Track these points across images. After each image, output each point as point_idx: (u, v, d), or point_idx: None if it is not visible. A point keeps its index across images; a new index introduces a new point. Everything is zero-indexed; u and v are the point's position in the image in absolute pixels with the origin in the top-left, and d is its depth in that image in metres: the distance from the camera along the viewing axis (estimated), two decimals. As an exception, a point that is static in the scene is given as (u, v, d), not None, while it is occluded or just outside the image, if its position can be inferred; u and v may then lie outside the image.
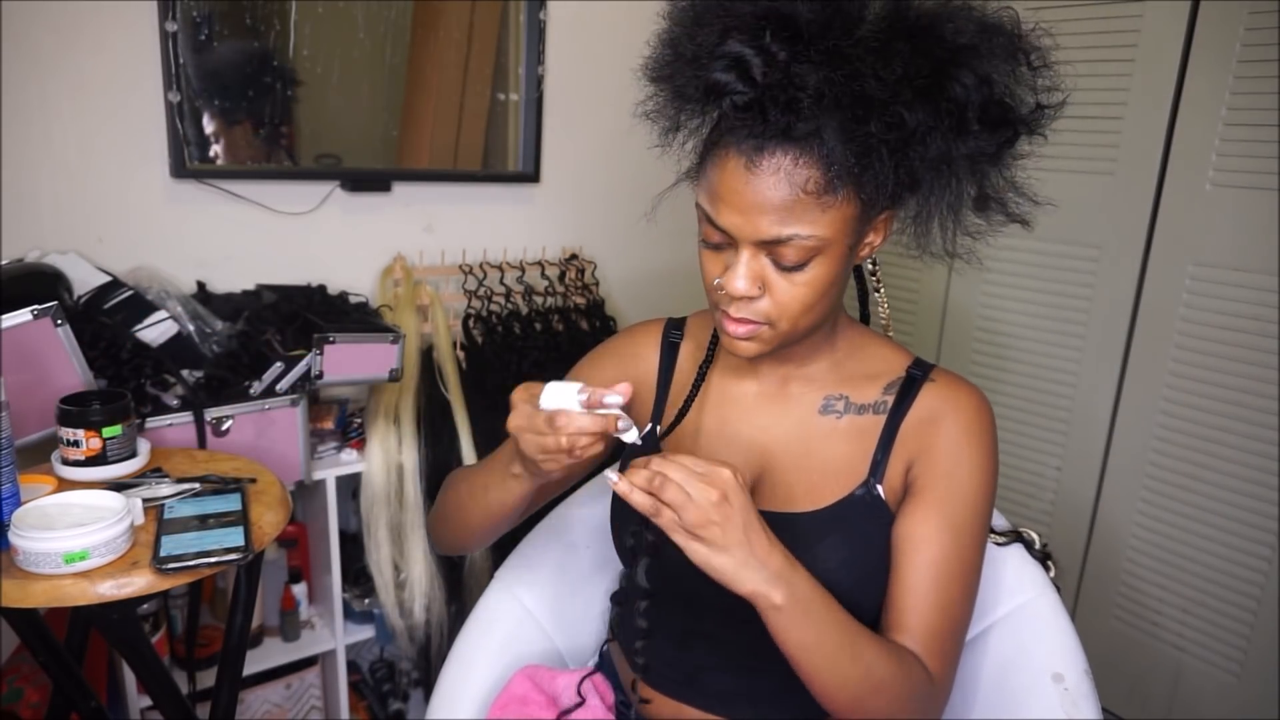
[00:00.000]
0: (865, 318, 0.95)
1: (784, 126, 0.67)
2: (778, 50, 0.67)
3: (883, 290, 0.93)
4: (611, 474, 0.71)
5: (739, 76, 0.68)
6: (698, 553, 0.68)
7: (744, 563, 0.68)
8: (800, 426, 0.86)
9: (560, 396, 0.71)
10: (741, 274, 0.73)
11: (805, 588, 0.71)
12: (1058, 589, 0.97)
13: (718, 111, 0.72)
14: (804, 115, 0.67)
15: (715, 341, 0.92)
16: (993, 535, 0.99)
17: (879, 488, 0.82)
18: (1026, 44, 0.72)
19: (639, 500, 0.68)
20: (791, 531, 0.81)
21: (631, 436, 0.72)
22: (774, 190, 0.69)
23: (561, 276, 1.98)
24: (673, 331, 0.96)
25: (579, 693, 0.95)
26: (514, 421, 0.73)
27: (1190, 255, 1.73)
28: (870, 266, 0.91)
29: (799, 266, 0.72)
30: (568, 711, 0.94)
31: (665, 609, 0.90)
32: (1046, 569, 0.99)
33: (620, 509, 0.92)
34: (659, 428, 0.93)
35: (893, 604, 0.79)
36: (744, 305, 0.75)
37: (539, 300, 1.92)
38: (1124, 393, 1.87)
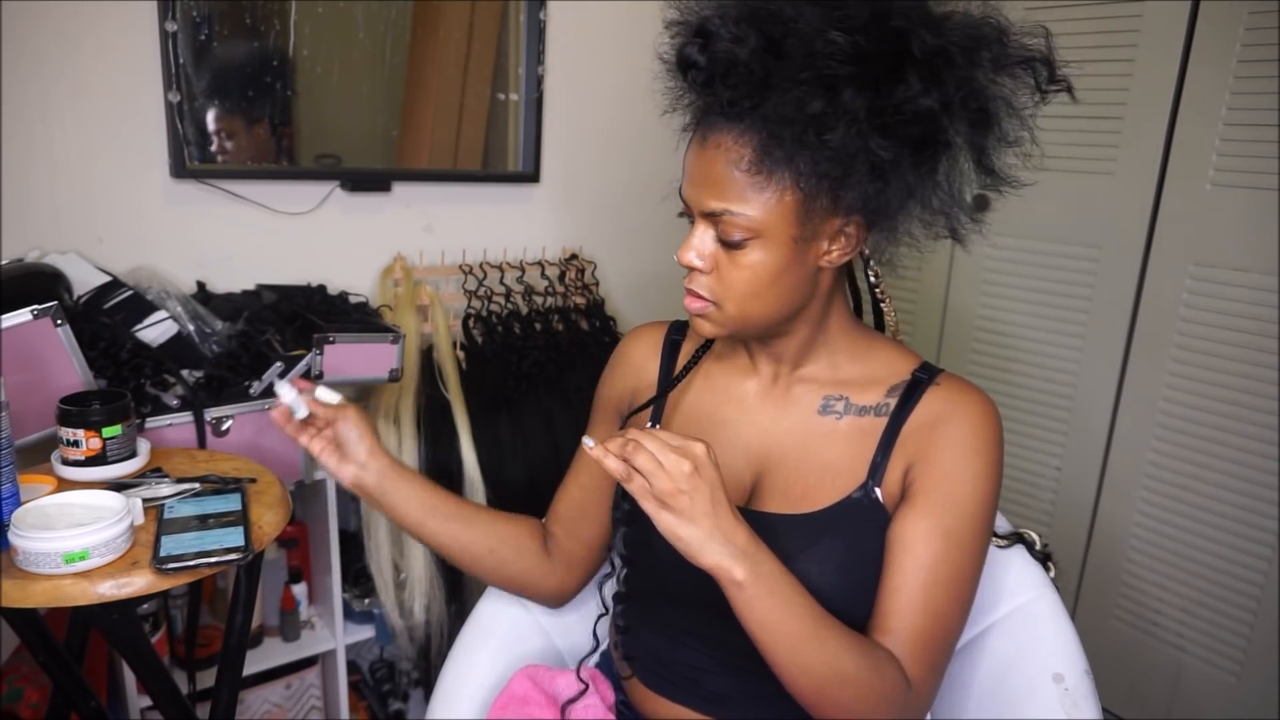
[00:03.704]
0: (880, 329, 0.95)
1: (727, 101, 0.72)
2: (731, 31, 0.71)
3: (889, 300, 0.93)
4: (588, 440, 0.73)
5: (700, 50, 0.73)
6: (665, 521, 0.69)
7: (709, 535, 0.69)
8: (799, 427, 0.86)
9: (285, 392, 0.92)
10: (690, 244, 0.78)
11: (770, 568, 0.72)
12: (1057, 589, 0.97)
13: (689, 88, 0.77)
14: (742, 94, 0.71)
15: (707, 344, 0.94)
16: (995, 539, 0.99)
17: (877, 491, 0.82)
18: (928, 48, 0.70)
19: (612, 465, 0.70)
20: (788, 533, 0.81)
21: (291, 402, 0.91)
22: (713, 165, 0.75)
23: (561, 276, 1.98)
24: (675, 333, 0.97)
25: (579, 678, 0.95)
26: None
27: (1190, 255, 1.73)
28: (872, 279, 0.91)
29: (740, 246, 0.76)
30: (571, 701, 0.94)
31: (658, 608, 0.90)
32: (1046, 569, 0.98)
33: (618, 491, 0.93)
34: (658, 428, 0.93)
35: (879, 605, 0.79)
36: (695, 279, 0.79)
37: (539, 300, 1.92)
38: (1124, 393, 1.87)
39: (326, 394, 0.94)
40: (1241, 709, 1.73)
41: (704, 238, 0.78)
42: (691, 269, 0.79)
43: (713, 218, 0.76)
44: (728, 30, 0.71)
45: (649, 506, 0.70)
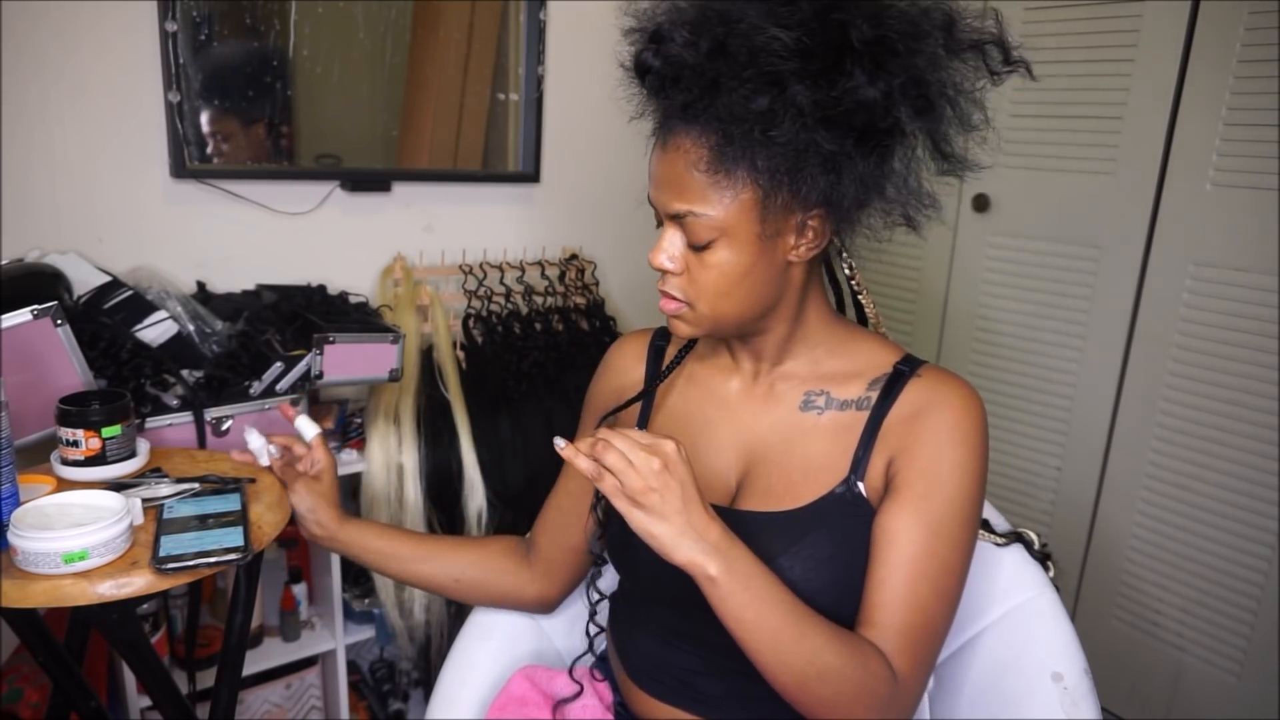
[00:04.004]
0: (863, 321, 0.95)
1: (682, 105, 0.74)
2: (690, 36, 0.72)
3: (865, 293, 0.93)
4: (559, 440, 0.73)
5: (654, 55, 0.75)
6: (638, 519, 0.70)
7: (681, 532, 0.70)
8: (782, 424, 0.86)
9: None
10: (661, 247, 0.80)
11: (745, 564, 0.72)
12: (1057, 589, 0.97)
13: (648, 95, 0.79)
14: (698, 96, 0.72)
15: (690, 343, 0.94)
16: (994, 536, 0.99)
17: (860, 485, 0.82)
18: (864, 37, 0.71)
19: (583, 464, 0.71)
20: (773, 530, 0.81)
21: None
22: (673, 167, 0.76)
23: (561, 276, 1.98)
24: (659, 339, 0.98)
25: (572, 678, 0.95)
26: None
27: (1190, 255, 1.73)
28: (847, 271, 0.91)
29: (705, 246, 0.77)
30: (565, 702, 0.94)
31: (649, 610, 0.90)
32: (1046, 569, 0.98)
33: (596, 493, 0.95)
34: (645, 428, 0.94)
35: (865, 599, 0.78)
36: (668, 280, 0.80)
37: (539, 300, 1.92)
38: (1124, 393, 1.87)
39: (304, 425, 1.05)
40: (1241, 709, 1.73)
41: (673, 240, 0.79)
42: (663, 271, 0.80)
43: (678, 219, 0.77)
44: (680, 34, 0.73)
45: (621, 505, 0.70)
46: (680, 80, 0.73)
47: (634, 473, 0.69)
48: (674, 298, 0.80)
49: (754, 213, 0.75)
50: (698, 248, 0.77)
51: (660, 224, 0.81)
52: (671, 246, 0.79)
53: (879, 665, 0.75)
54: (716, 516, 0.72)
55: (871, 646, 0.76)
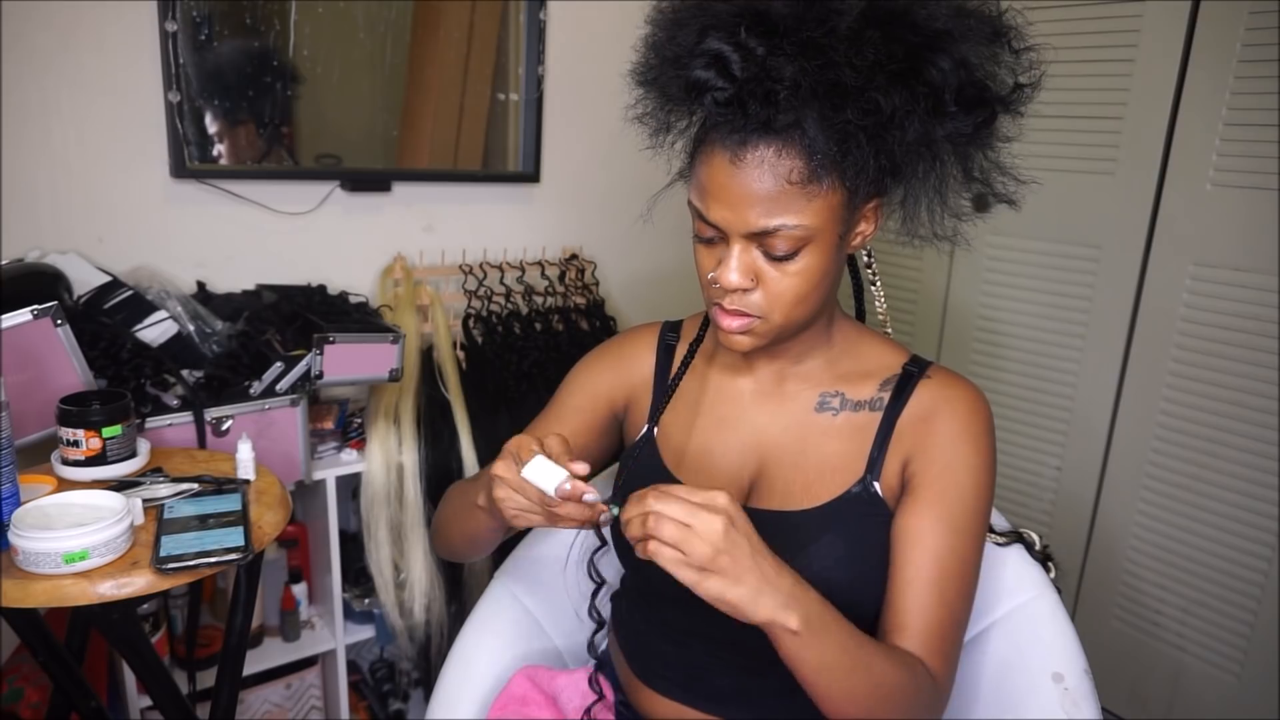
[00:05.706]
0: (861, 314, 0.95)
1: (764, 119, 0.69)
2: (755, 45, 0.68)
3: (879, 283, 0.93)
4: (607, 515, 0.71)
5: (719, 73, 0.69)
6: (711, 588, 0.65)
7: (758, 589, 0.65)
8: (796, 424, 0.86)
9: (543, 475, 0.70)
10: (733, 266, 0.75)
11: (816, 607, 0.69)
12: (1057, 589, 0.97)
13: (702, 109, 0.73)
14: (782, 107, 0.68)
15: (699, 337, 0.93)
16: (993, 536, 0.99)
17: (876, 485, 0.82)
18: (1002, 25, 0.73)
19: (636, 534, 0.66)
20: (787, 530, 0.82)
21: (605, 519, 0.73)
22: (758, 182, 0.71)
23: (561, 276, 1.98)
24: (669, 334, 0.97)
25: (591, 687, 0.95)
26: (500, 469, 0.73)
27: (1190, 255, 1.73)
28: (865, 259, 0.91)
29: (789, 256, 0.74)
30: (565, 700, 0.94)
31: (663, 609, 0.90)
32: (1047, 570, 0.99)
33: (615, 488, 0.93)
34: (655, 429, 0.94)
35: (891, 603, 0.79)
36: (737, 298, 0.76)
37: (539, 300, 1.92)
38: (1124, 393, 1.87)
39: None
40: (1241, 709, 1.73)
41: (746, 256, 0.74)
42: (733, 289, 0.76)
43: (760, 235, 0.73)
44: (746, 47, 0.68)
45: (687, 576, 0.65)
46: (774, 94, 0.67)
47: (698, 539, 0.63)
48: (744, 313, 0.77)
49: (839, 213, 0.74)
50: (778, 257, 0.74)
51: (709, 240, 0.77)
52: (745, 263, 0.75)
53: (924, 674, 0.76)
54: (781, 560, 0.68)
55: (913, 656, 0.76)
